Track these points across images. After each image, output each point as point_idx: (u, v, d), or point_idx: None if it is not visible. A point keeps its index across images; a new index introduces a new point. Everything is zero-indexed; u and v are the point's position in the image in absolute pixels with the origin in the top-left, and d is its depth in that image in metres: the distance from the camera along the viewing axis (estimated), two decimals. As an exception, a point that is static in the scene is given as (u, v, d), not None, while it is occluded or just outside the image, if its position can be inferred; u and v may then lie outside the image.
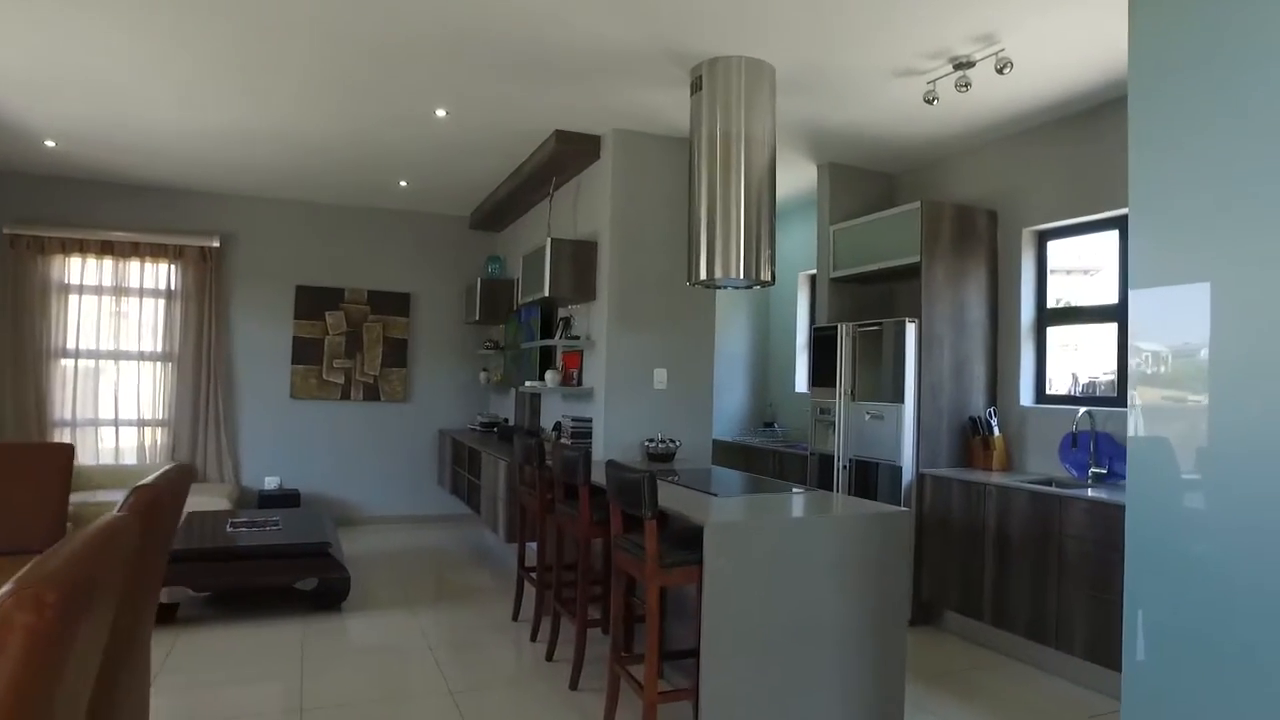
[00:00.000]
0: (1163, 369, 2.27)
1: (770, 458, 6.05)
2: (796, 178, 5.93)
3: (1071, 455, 4.33)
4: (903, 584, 3.13)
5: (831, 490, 5.02)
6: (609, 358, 4.87)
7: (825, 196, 5.56)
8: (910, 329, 4.56)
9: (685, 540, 3.02)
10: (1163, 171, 2.34)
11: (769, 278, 3.84)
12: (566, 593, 4.10)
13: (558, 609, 3.96)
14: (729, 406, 6.95)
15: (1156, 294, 2.31)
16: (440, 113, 4.73)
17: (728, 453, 6.68)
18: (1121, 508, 3.43)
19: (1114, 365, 4.33)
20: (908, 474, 4.55)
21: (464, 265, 7.80)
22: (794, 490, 3.63)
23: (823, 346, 5.14)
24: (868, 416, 4.76)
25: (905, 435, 4.54)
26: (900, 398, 4.54)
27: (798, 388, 6.69)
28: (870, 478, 4.74)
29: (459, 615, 4.62)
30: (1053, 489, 3.85)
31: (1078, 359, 4.65)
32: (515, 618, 4.58)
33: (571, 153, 5.11)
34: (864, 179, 5.66)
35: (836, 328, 5.03)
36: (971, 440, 4.68)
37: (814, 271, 5.86)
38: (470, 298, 7.36)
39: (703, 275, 3.83)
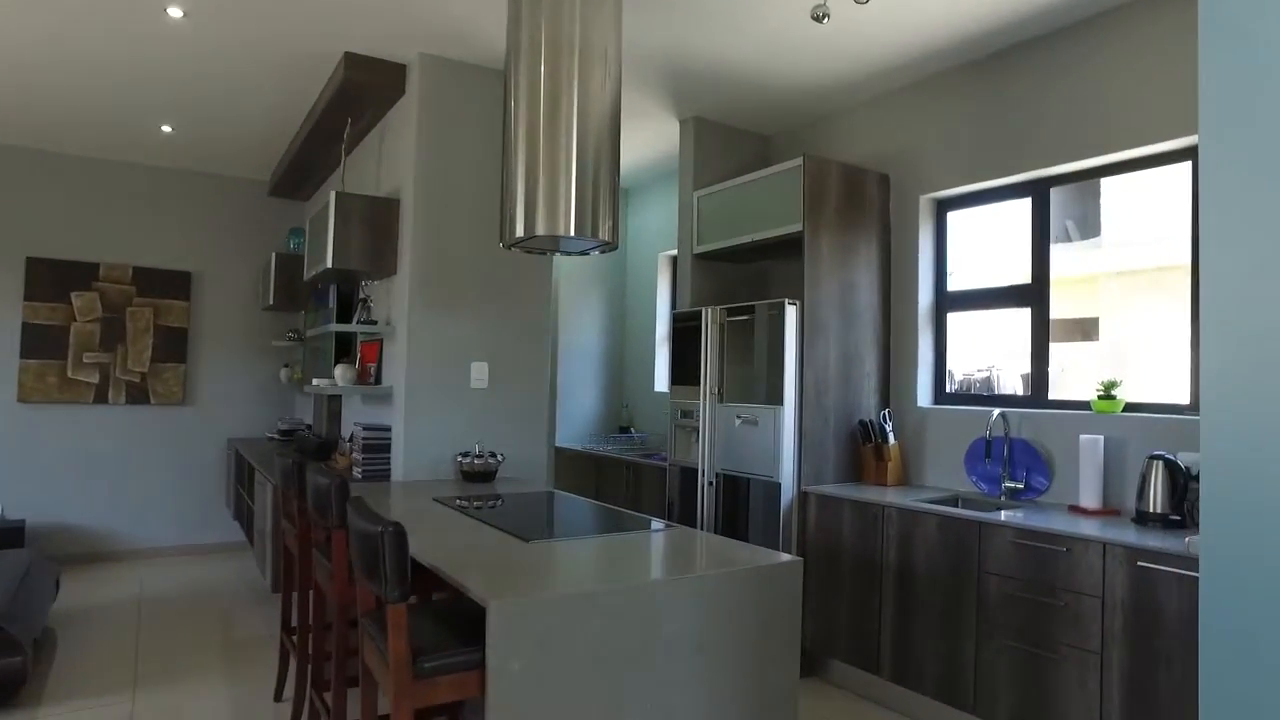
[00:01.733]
0: (1260, 367, 1.40)
1: (625, 471, 5.07)
2: (656, 138, 4.98)
3: (981, 467, 3.57)
4: (791, 661, 2.20)
5: (695, 512, 4.09)
6: (411, 348, 3.74)
7: (689, 157, 4.63)
8: (790, 313, 3.68)
9: (468, 625, 1.97)
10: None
11: (608, 237, 2.83)
12: (328, 671, 2.96)
13: (314, 699, 2.81)
14: (578, 409, 5.94)
15: (1252, 254, 1.45)
16: (174, 11, 3.47)
17: (573, 465, 5.66)
18: (1058, 537, 2.66)
19: (1029, 356, 3.60)
20: (787, 492, 3.67)
21: (263, 240, 6.42)
22: (652, 526, 2.65)
23: (685, 338, 4.20)
24: (738, 421, 3.85)
25: (785, 444, 3.65)
26: (778, 399, 3.65)
27: (658, 386, 5.76)
28: (741, 497, 3.83)
29: (201, 696, 3.38)
30: (969, 513, 3.04)
31: (977, 350, 3.91)
32: (278, 697, 3.39)
33: (369, 86, 3.95)
34: (735, 140, 4.77)
35: (701, 313, 4.10)
36: (862, 449, 3.85)
37: (676, 252, 4.92)
38: (265, 278, 6.02)
39: (519, 231, 2.78)
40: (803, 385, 3.68)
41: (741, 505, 3.84)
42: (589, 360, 6.01)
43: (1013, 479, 3.44)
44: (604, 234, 2.82)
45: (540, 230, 2.75)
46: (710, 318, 4.04)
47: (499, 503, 3.13)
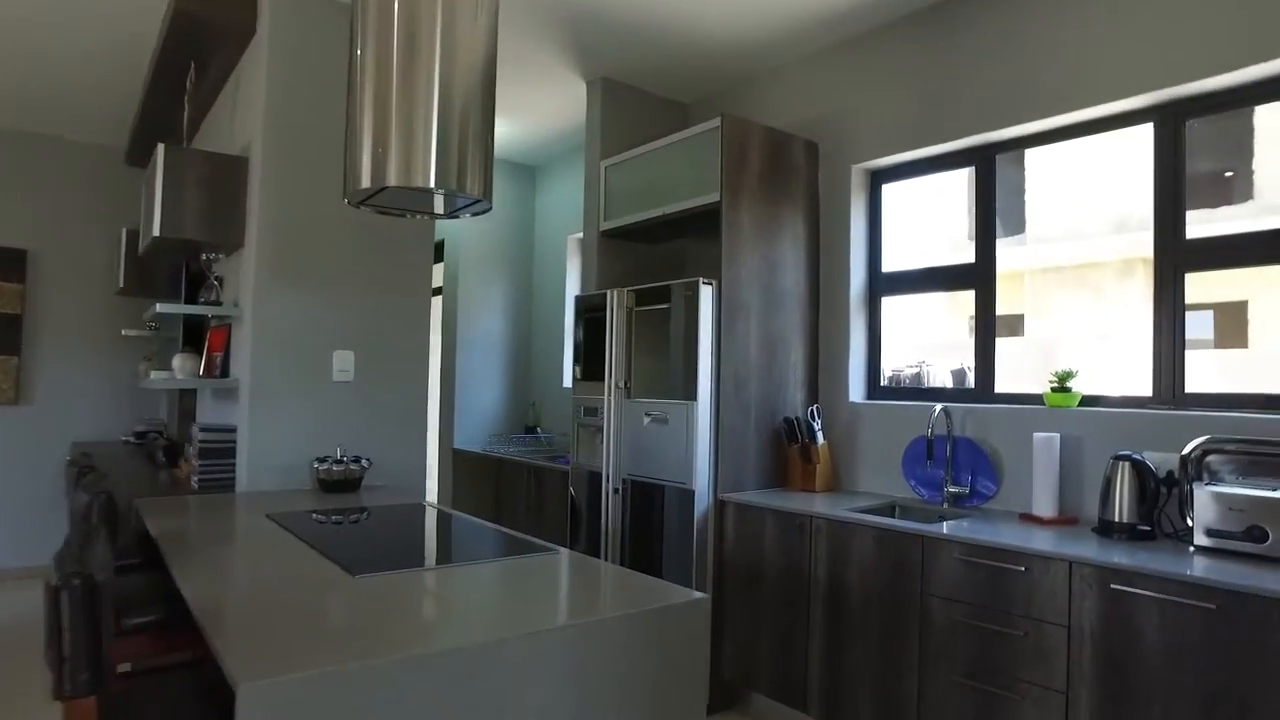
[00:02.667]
0: None
1: (526, 476, 4.52)
2: (564, 106, 4.44)
3: (921, 470, 3.15)
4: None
5: (600, 525, 3.57)
6: (257, 333, 3.12)
7: (596, 122, 4.11)
8: (706, 294, 3.19)
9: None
10: None
11: (480, 193, 2.29)
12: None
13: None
14: (479, 407, 5.36)
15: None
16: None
17: (471, 470, 5.09)
18: (1016, 554, 2.22)
19: (970, 347, 3.20)
20: (702, 500, 3.18)
21: (117, 214, 5.63)
22: (531, 552, 2.12)
23: (591, 327, 3.68)
24: (647, 419, 3.35)
25: (699, 445, 3.16)
26: (692, 393, 3.16)
27: (567, 382, 5.22)
28: (653, 506, 3.33)
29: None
30: (910, 525, 2.60)
31: (912, 339, 3.50)
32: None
33: (208, 21, 3.30)
34: (650, 107, 4.27)
35: (606, 297, 3.58)
36: (787, 450, 3.40)
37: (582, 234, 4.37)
38: (115, 256, 5.25)
39: (365, 182, 2.21)
40: (719, 377, 3.20)
41: (655, 515, 3.34)
42: (492, 352, 5.43)
43: (956, 483, 3.03)
44: (474, 188, 2.27)
45: (392, 180, 2.19)
46: (616, 301, 3.53)
47: (352, 519, 2.56)
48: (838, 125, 3.60)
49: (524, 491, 4.50)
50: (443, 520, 2.60)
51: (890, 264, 3.53)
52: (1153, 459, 2.51)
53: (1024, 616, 2.28)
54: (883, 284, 3.54)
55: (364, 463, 3.15)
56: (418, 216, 2.55)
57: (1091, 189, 3.02)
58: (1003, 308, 3.13)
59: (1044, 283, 3.21)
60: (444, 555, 2.09)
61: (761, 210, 3.39)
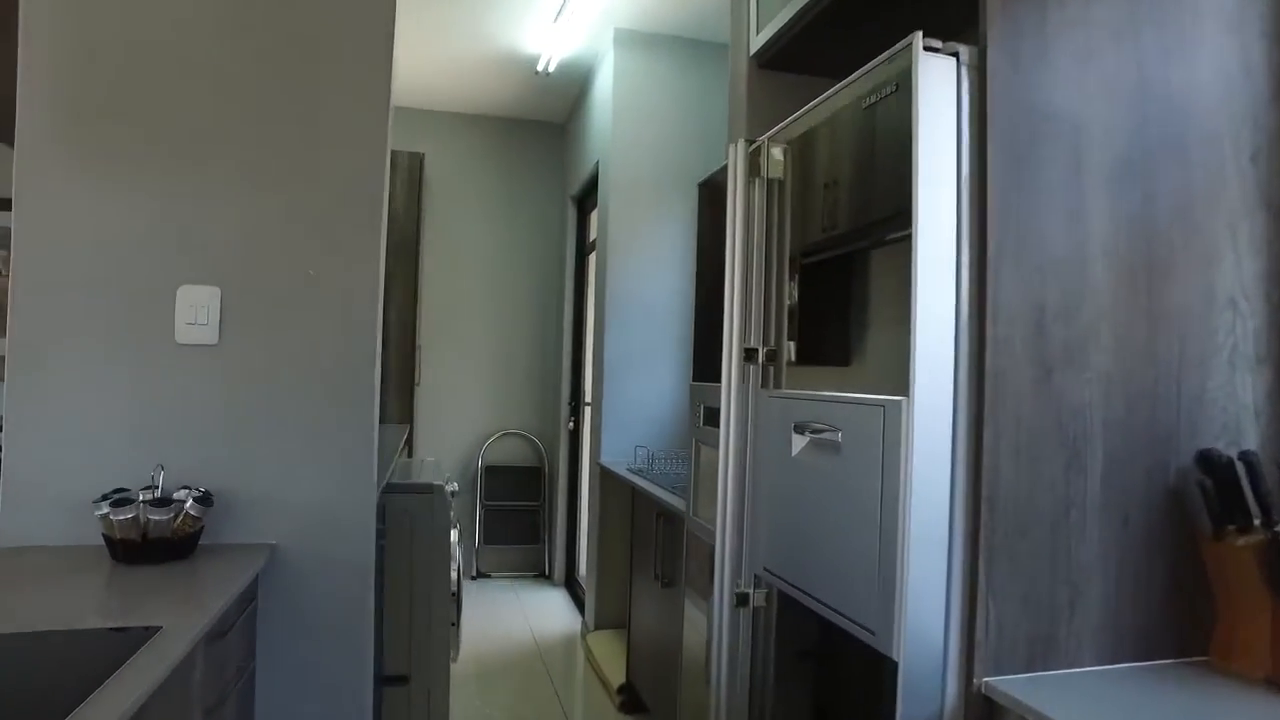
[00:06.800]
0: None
1: (656, 522, 2.65)
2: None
3: None
4: None
5: (710, 671, 1.61)
6: (29, 253, 1.63)
7: None
8: (940, 80, 1.11)
9: None
10: None
11: None
12: None
13: None
14: (641, 404, 3.58)
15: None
16: None
17: (616, 499, 3.36)
18: None
19: None
20: (928, 689, 1.10)
21: None
22: None
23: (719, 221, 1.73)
24: (801, 440, 1.34)
25: (915, 520, 1.09)
26: (899, 378, 1.10)
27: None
28: (821, 664, 1.31)
29: None
30: None
31: None
32: None
33: None
34: None
35: (731, 155, 1.61)
36: (1206, 546, 1.18)
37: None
38: None
39: None
40: (985, 324, 1.10)
41: (820, 684, 1.32)
42: (664, 326, 3.62)
43: None
44: None
45: None
46: (747, 156, 1.55)
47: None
48: None
49: (655, 544, 2.64)
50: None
51: None
52: None
53: None
54: None
55: (199, 497, 1.54)
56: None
57: None
58: None
59: None
60: None
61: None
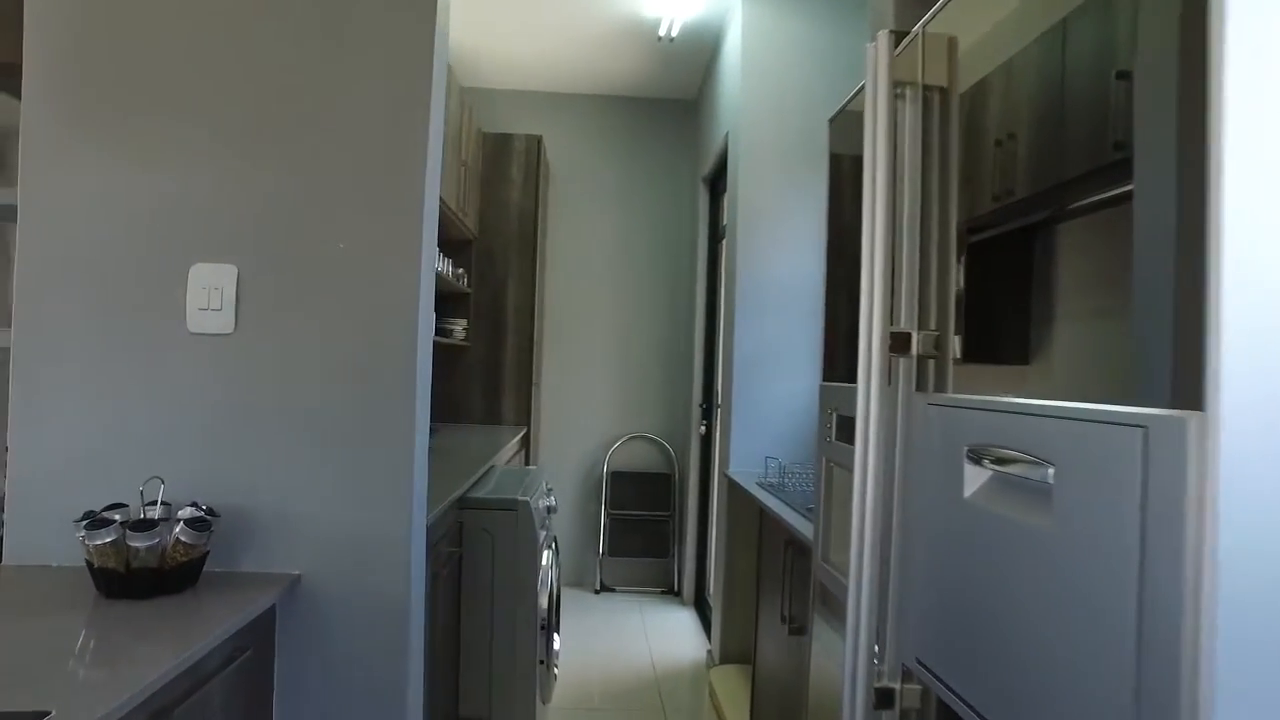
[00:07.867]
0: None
1: (783, 550, 2.18)
2: None
3: None
4: None
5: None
6: (34, 232, 1.40)
7: None
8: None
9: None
10: None
11: None
12: None
13: None
14: (781, 404, 3.11)
15: None
16: None
17: (743, 516, 2.91)
18: None
19: None
20: None
21: None
22: None
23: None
24: (976, 473, 0.87)
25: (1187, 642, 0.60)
26: (1188, 379, 0.62)
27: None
28: None
29: None
30: None
31: None
32: None
33: None
34: None
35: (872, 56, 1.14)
36: None
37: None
38: None
39: None
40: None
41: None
42: (801, 318, 3.13)
43: None
44: None
45: None
46: (921, 56, 1.08)
47: None
48: None
49: (782, 578, 2.18)
50: None
51: None
52: None
53: None
54: None
55: (180, 525, 1.24)
56: None
57: None
58: None
59: None
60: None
61: None
